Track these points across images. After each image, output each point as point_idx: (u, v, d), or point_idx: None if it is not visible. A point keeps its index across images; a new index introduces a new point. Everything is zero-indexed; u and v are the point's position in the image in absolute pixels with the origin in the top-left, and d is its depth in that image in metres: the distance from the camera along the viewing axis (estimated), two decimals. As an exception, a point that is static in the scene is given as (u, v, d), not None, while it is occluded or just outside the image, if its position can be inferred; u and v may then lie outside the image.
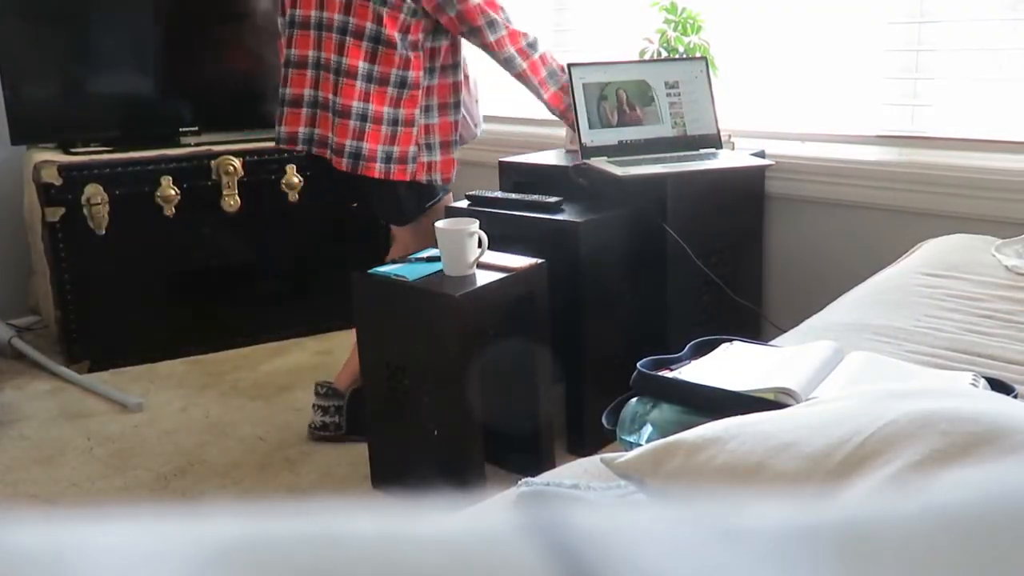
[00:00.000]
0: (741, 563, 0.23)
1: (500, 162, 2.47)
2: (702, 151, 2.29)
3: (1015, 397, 1.13)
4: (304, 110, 2.16)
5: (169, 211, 2.79)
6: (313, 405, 2.25)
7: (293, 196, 2.94)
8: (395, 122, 2.10)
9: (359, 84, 2.06)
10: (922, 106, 2.30)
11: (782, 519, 0.25)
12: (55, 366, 2.74)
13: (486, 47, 2.12)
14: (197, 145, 2.87)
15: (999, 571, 0.23)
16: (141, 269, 2.81)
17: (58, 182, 2.65)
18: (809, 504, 0.26)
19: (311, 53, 2.13)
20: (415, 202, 2.23)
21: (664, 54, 2.45)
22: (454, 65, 2.17)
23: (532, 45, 2.18)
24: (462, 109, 2.22)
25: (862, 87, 2.39)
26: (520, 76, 2.17)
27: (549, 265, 1.94)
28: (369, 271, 1.93)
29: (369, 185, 2.15)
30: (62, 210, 2.67)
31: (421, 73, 2.10)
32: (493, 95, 2.87)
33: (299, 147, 2.19)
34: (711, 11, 2.49)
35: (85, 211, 2.68)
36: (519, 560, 0.23)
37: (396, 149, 2.10)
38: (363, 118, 2.07)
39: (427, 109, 2.14)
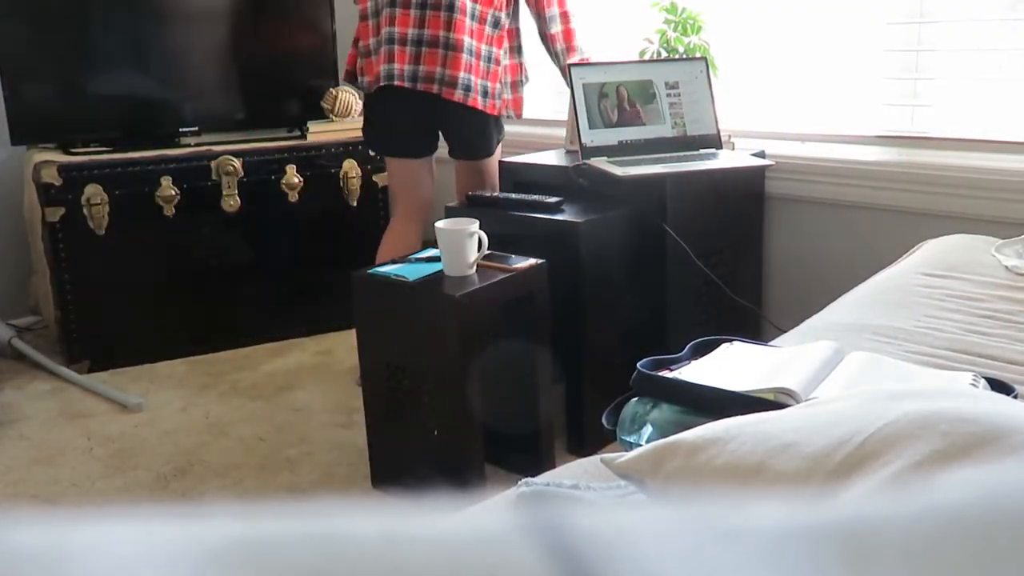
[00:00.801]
0: (741, 563, 0.23)
1: (500, 162, 2.47)
2: (702, 151, 2.29)
3: (1015, 397, 1.13)
4: (409, 48, 2.27)
5: (169, 211, 2.79)
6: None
7: (293, 196, 2.94)
8: (489, 59, 2.30)
9: (468, 21, 2.25)
10: (922, 106, 2.30)
11: (782, 519, 0.25)
12: (55, 366, 2.74)
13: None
14: (197, 145, 2.87)
15: (1000, 571, 0.23)
16: (141, 269, 2.81)
17: (58, 182, 2.65)
18: (809, 504, 0.26)
19: None
20: (496, 136, 2.44)
21: (664, 54, 2.45)
22: (515, 11, 2.38)
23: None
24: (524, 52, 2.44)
25: (862, 87, 2.39)
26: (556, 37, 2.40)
27: (549, 265, 1.94)
28: (369, 271, 1.93)
29: (463, 118, 2.33)
30: (62, 210, 2.67)
31: (504, 14, 2.31)
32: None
33: (405, 83, 2.28)
34: (711, 11, 2.49)
35: (85, 211, 2.69)
36: (519, 560, 0.23)
37: (489, 84, 2.31)
38: (471, 52, 2.26)
39: (506, 51, 2.36)
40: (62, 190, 2.66)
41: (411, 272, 1.88)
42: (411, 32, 2.27)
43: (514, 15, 2.38)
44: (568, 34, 2.43)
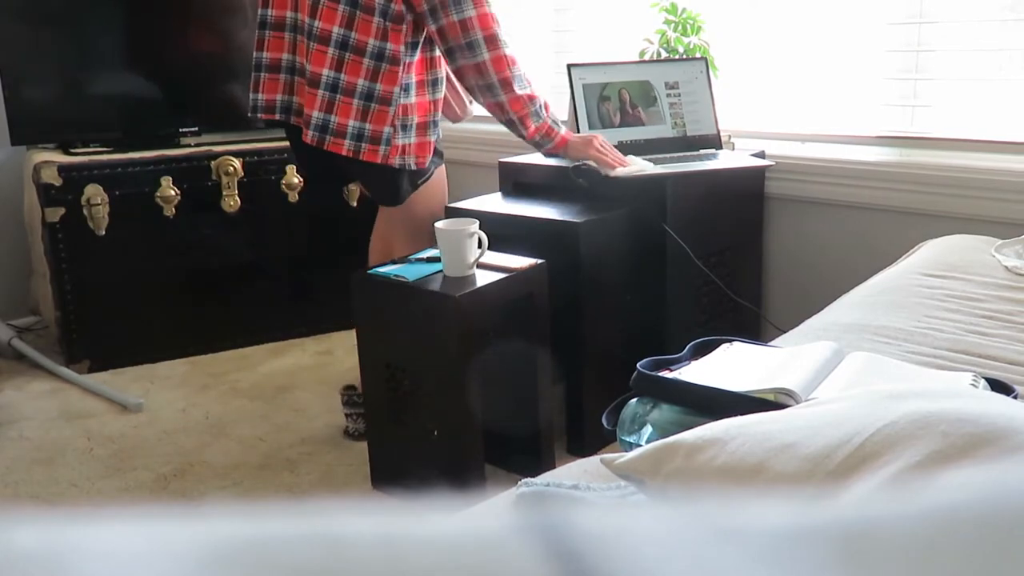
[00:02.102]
0: (740, 564, 0.23)
1: (500, 162, 2.47)
2: (702, 151, 2.29)
3: (1015, 398, 1.13)
4: (282, 76, 2.04)
5: (169, 211, 2.79)
6: (345, 414, 2.25)
7: (293, 196, 2.94)
8: (369, 97, 1.94)
9: (331, 51, 1.92)
10: (922, 107, 2.30)
11: (782, 520, 0.25)
12: (55, 366, 2.74)
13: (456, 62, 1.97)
14: (197, 145, 2.88)
15: (999, 571, 0.23)
16: (141, 269, 2.81)
17: (58, 183, 2.65)
18: (809, 505, 0.26)
19: (288, 14, 2.01)
20: (407, 181, 2.09)
21: (664, 55, 2.45)
22: (424, 43, 2.02)
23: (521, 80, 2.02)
24: (443, 90, 2.10)
25: (862, 88, 2.39)
26: (494, 107, 2.03)
27: (549, 265, 1.94)
28: (369, 271, 1.93)
29: (348, 164, 2.02)
30: (62, 211, 2.67)
31: (402, 48, 1.94)
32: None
33: (277, 116, 2.07)
34: (711, 12, 2.49)
35: (85, 212, 2.69)
36: (519, 561, 0.23)
37: (368, 127, 1.96)
38: (333, 88, 1.94)
39: (405, 88, 1.99)
40: (62, 190, 2.66)
41: (411, 272, 1.88)
42: (284, 58, 2.03)
43: (427, 43, 2.02)
44: (498, 64, 1.97)
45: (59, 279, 2.71)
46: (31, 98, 2.80)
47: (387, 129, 1.97)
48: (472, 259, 1.86)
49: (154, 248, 2.81)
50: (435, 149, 2.12)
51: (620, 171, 2.09)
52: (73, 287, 2.72)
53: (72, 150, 2.78)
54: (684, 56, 2.42)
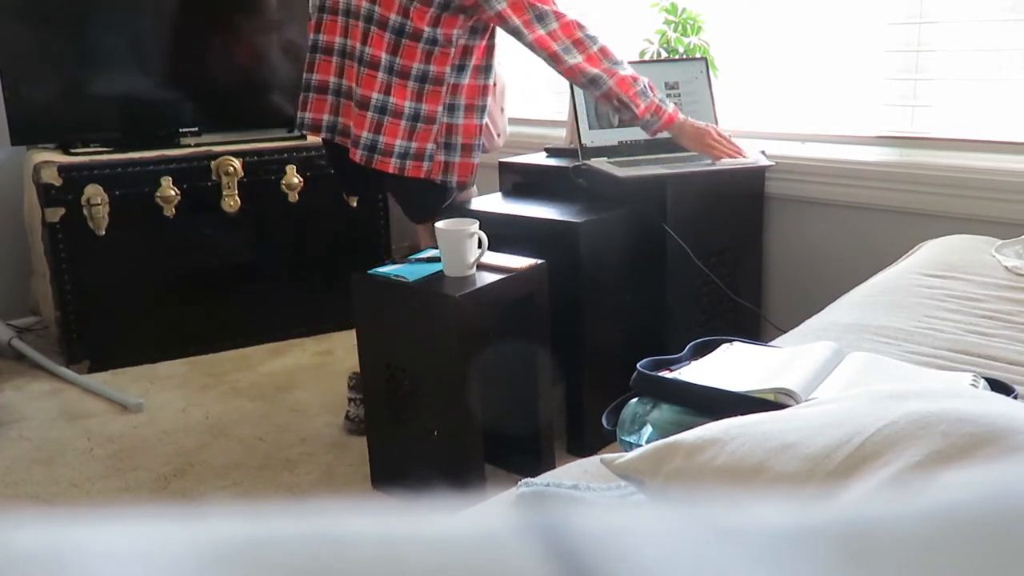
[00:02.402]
0: (741, 564, 0.23)
1: (500, 162, 2.47)
2: (702, 152, 2.29)
3: (1015, 398, 1.13)
4: (329, 98, 2.13)
5: (169, 211, 2.79)
6: (348, 399, 2.27)
7: (293, 196, 2.94)
8: (415, 117, 2.03)
9: (380, 75, 2.01)
10: (922, 107, 2.30)
11: (782, 520, 0.25)
12: (55, 367, 2.74)
13: (542, 51, 1.96)
14: (197, 145, 2.88)
15: (999, 572, 0.23)
16: (141, 269, 2.81)
17: (58, 183, 2.65)
18: (809, 505, 0.26)
19: (338, 40, 2.09)
20: (434, 200, 2.17)
21: (664, 55, 2.45)
22: (487, 67, 2.10)
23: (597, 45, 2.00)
24: (486, 116, 2.16)
25: (862, 88, 2.39)
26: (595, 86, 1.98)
27: (549, 265, 1.94)
28: (369, 271, 1.93)
29: (388, 180, 2.12)
30: (62, 211, 2.67)
31: (447, 69, 2.02)
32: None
33: (323, 135, 2.16)
34: (711, 12, 2.49)
35: (85, 212, 2.69)
36: (519, 561, 0.23)
37: (414, 145, 2.05)
38: (382, 111, 2.02)
39: (452, 108, 2.07)
40: (62, 190, 2.66)
41: (411, 272, 1.88)
42: (332, 81, 2.11)
43: (481, 71, 2.08)
44: (594, 61, 1.96)
45: (59, 279, 2.71)
46: (31, 98, 2.80)
47: (430, 146, 2.06)
48: (472, 259, 1.86)
49: (154, 248, 2.81)
50: (470, 183, 2.23)
51: (622, 171, 2.09)
52: (73, 287, 2.72)
53: (72, 150, 2.78)
54: (684, 56, 2.42)
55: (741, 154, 2.10)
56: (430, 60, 2.00)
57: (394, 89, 2.01)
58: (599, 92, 1.99)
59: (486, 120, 2.16)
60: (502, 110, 2.33)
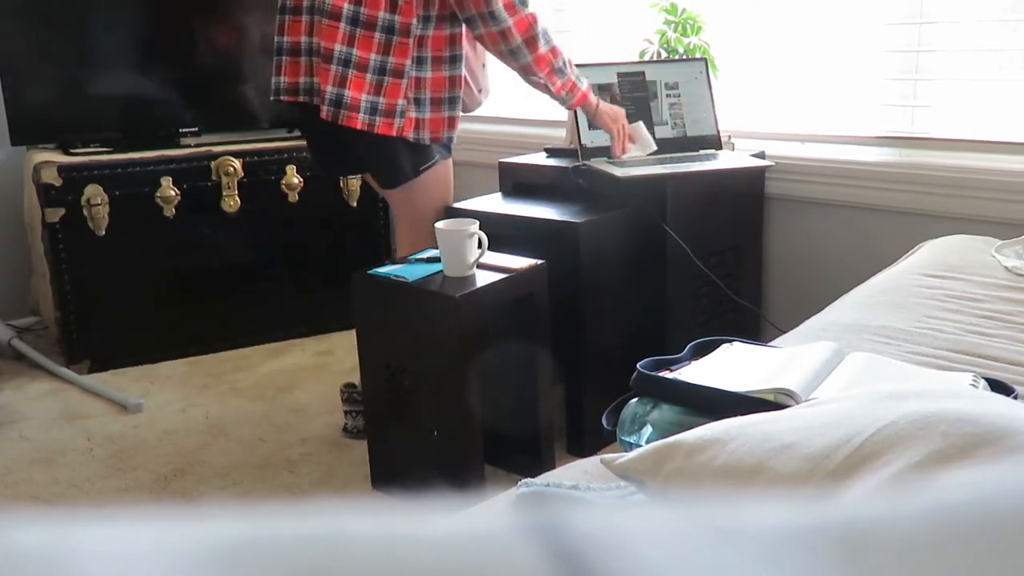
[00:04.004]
0: (740, 564, 0.23)
1: (499, 163, 2.47)
2: (702, 152, 2.29)
3: (1015, 398, 1.13)
4: (303, 59, 2.04)
5: (169, 211, 2.79)
6: (344, 411, 2.27)
7: (293, 196, 2.94)
8: (382, 71, 1.96)
9: (343, 26, 1.93)
10: (922, 107, 2.30)
11: (781, 520, 0.25)
12: (55, 367, 2.74)
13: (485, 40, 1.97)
14: (197, 146, 2.88)
15: (999, 572, 0.23)
16: (141, 269, 2.81)
17: (58, 183, 2.65)
18: (809, 505, 0.26)
19: None
20: (409, 162, 2.07)
21: (664, 55, 2.45)
22: (453, 15, 1.99)
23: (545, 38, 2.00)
24: (462, 68, 2.07)
25: (862, 88, 2.39)
26: (525, 70, 2.01)
27: (549, 265, 1.94)
28: (369, 271, 1.93)
29: (358, 140, 2.02)
30: (62, 211, 2.67)
31: (414, 20, 1.94)
32: (493, 96, 2.87)
33: (300, 97, 2.06)
34: (711, 12, 2.49)
35: (85, 212, 2.69)
36: (519, 561, 0.23)
37: (382, 100, 1.97)
38: (346, 63, 1.94)
39: (419, 61, 1.99)
40: (62, 191, 2.66)
41: (411, 272, 1.88)
42: (303, 40, 2.02)
43: (446, 20, 1.99)
44: (520, 26, 1.94)
45: (59, 279, 2.71)
46: (31, 98, 2.80)
47: (400, 101, 1.98)
48: (472, 259, 1.86)
49: (154, 248, 2.81)
50: (444, 141, 2.10)
51: (626, 155, 2.12)
52: (73, 287, 2.72)
53: (72, 150, 2.78)
54: (684, 56, 2.42)
55: (624, 150, 2.20)
56: (395, 10, 1.93)
57: (358, 41, 1.94)
58: (518, 63, 2.00)
59: (462, 73, 2.07)
60: (484, 65, 2.25)
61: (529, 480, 1.01)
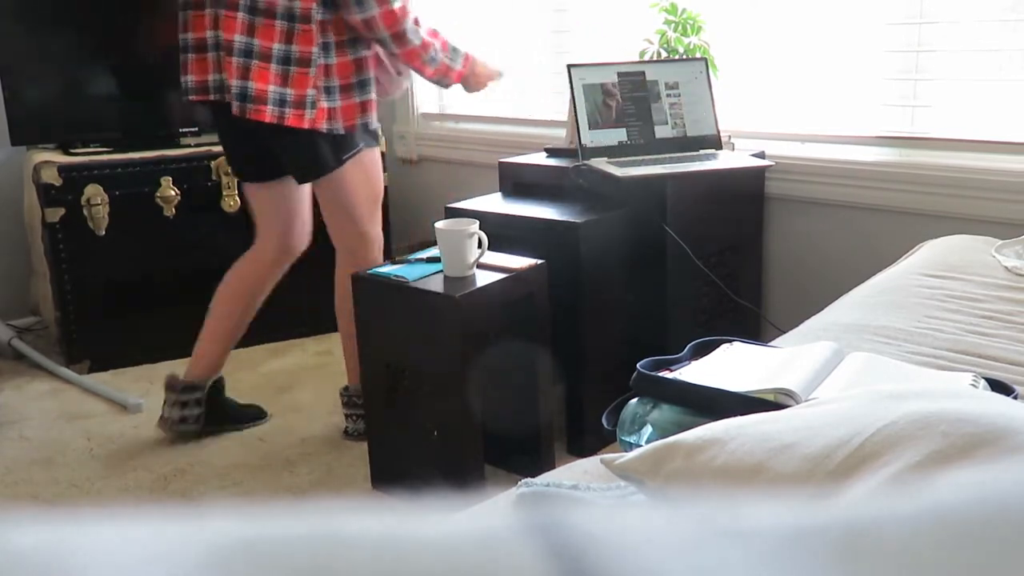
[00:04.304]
0: (740, 564, 0.23)
1: (499, 163, 2.47)
2: (702, 152, 2.29)
3: (1015, 398, 1.13)
4: (210, 55, 1.99)
5: (169, 211, 2.79)
6: (345, 414, 2.28)
7: (293, 196, 2.94)
8: (287, 60, 1.90)
9: (241, 16, 1.89)
10: (922, 107, 2.30)
11: (781, 520, 0.25)
12: (55, 367, 2.74)
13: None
14: (197, 145, 2.87)
15: (999, 572, 0.23)
16: (141, 269, 2.81)
17: (58, 183, 2.65)
18: (809, 505, 0.26)
19: None
20: (331, 153, 2.00)
21: (664, 55, 2.45)
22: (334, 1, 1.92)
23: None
24: (368, 49, 2.01)
25: (862, 88, 2.39)
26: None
27: (549, 265, 1.94)
28: (369, 271, 1.93)
29: (273, 137, 1.96)
30: (62, 211, 2.67)
31: (313, 6, 1.88)
32: (494, 96, 2.87)
33: (211, 96, 2.01)
34: (711, 12, 2.49)
35: (85, 212, 2.69)
36: (519, 561, 0.23)
37: (290, 91, 1.90)
38: (247, 54, 1.90)
39: (324, 47, 1.93)
40: (62, 190, 2.66)
41: (411, 272, 1.88)
42: (209, 35, 1.97)
43: (334, 5, 1.93)
44: (387, 19, 1.92)
45: (59, 279, 2.71)
46: (31, 98, 2.80)
47: (310, 92, 1.91)
48: (472, 259, 1.86)
49: (154, 248, 2.81)
50: (367, 126, 2.04)
51: (621, 171, 2.10)
52: (73, 287, 2.72)
53: (72, 150, 2.78)
54: (684, 56, 2.42)
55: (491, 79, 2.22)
56: None
57: (259, 30, 1.88)
58: (389, 51, 2.01)
59: (368, 54, 2.01)
60: None
61: (529, 480, 1.01)
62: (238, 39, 1.90)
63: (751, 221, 2.45)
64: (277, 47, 1.89)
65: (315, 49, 1.91)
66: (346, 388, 2.26)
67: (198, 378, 2.25)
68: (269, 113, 1.90)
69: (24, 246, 3.08)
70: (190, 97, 2.05)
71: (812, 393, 1.11)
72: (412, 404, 1.89)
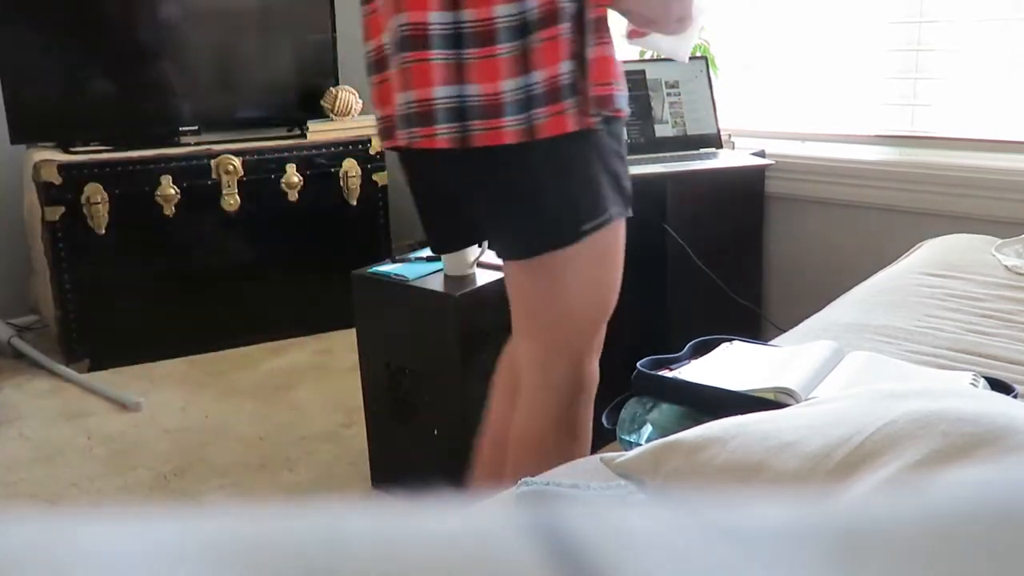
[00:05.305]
0: (740, 563, 0.23)
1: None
2: (702, 151, 2.29)
3: (1015, 397, 1.13)
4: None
5: (169, 211, 2.79)
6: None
7: (293, 196, 2.94)
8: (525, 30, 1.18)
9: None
10: (922, 106, 2.30)
11: (781, 519, 0.25)
12: (55, 365, 2.74)
13: None
14: (197, 144, 2.87)
15: (999, 570, 0.23)
16: (141, 269, 2.80)
17: (58, 181, 2.65)
18: (809, 504, 0.26)
19: None
20: (592, 173, 1.24)
21: (664, 54, 2.45)
22: None
23: None
24: None
25: (862, 87, 2.39)
26: None
27: (549, 265, 1.94)
28: (369, 270, 1.93)
29: (459, 170, 1.26)
30: (62, 209, 2.66)
31: None
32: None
33: (399, 141, 1.24)
34: (711, 12, 2.49)
35: (85, 210, 2.68)
36: (519, 560, 0.23)
37: (538, 76, 1.18)
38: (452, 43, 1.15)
39: None
40: (62, 189, 2.65)
41: (411, 272, 1.88)
42: (386, 44, 1.24)
43: None
44: None
45: (59, 278, 2.71)
46: (31, 97, 2.80)
47: (564, 66, 1.16)
48: (472, 259, 1.86)
49: (154, 247, 2.81)
50: (622, 188, 1.31)
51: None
52: (73, 286, 2.72)
53: (72, 149, 2.78)
54: (684, 55, 2.42)
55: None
56: None
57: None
58: None
59: None
60: None
61: (529, 479, 1.01)
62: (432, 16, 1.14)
63: (751, 220, 2.45)
64: (435, 16, 1.16)
65: None
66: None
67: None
68: (511, 130, 1.16)
69: (24, 245, 3.08)
70: (383, 144, 1.34)
71: (812, 392, 1.11)
72: (412, 403, 1.89)
